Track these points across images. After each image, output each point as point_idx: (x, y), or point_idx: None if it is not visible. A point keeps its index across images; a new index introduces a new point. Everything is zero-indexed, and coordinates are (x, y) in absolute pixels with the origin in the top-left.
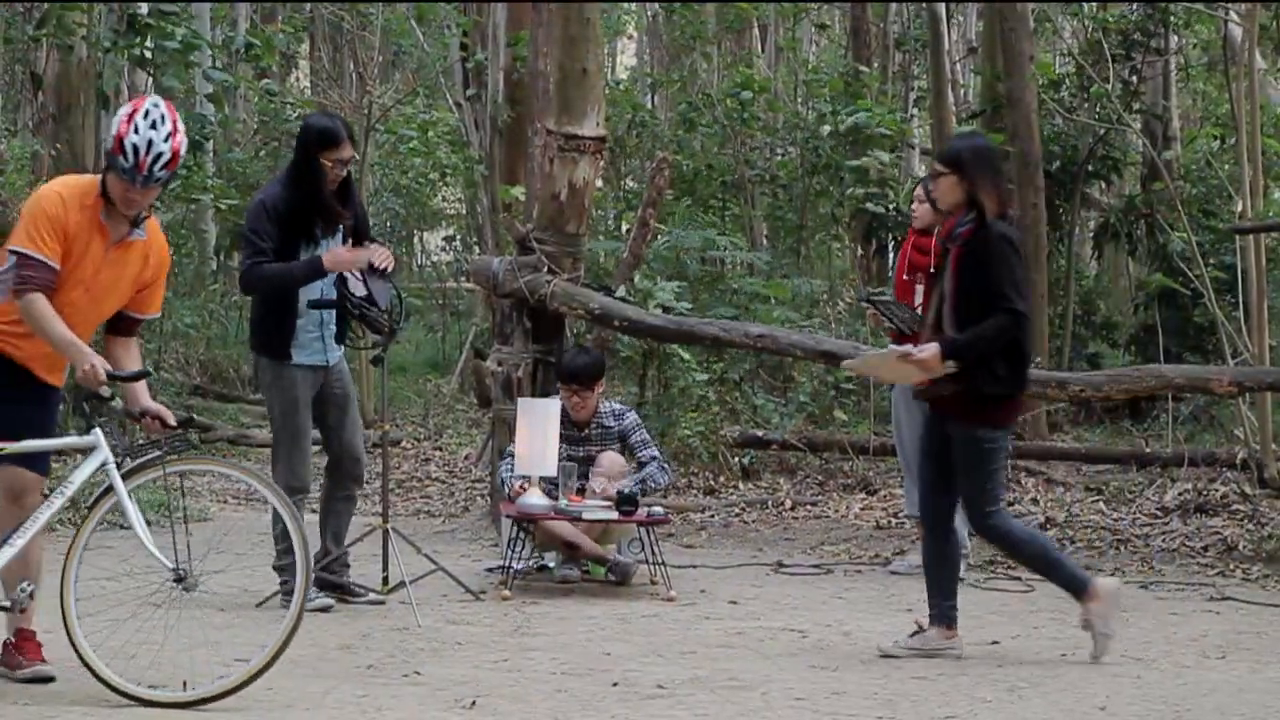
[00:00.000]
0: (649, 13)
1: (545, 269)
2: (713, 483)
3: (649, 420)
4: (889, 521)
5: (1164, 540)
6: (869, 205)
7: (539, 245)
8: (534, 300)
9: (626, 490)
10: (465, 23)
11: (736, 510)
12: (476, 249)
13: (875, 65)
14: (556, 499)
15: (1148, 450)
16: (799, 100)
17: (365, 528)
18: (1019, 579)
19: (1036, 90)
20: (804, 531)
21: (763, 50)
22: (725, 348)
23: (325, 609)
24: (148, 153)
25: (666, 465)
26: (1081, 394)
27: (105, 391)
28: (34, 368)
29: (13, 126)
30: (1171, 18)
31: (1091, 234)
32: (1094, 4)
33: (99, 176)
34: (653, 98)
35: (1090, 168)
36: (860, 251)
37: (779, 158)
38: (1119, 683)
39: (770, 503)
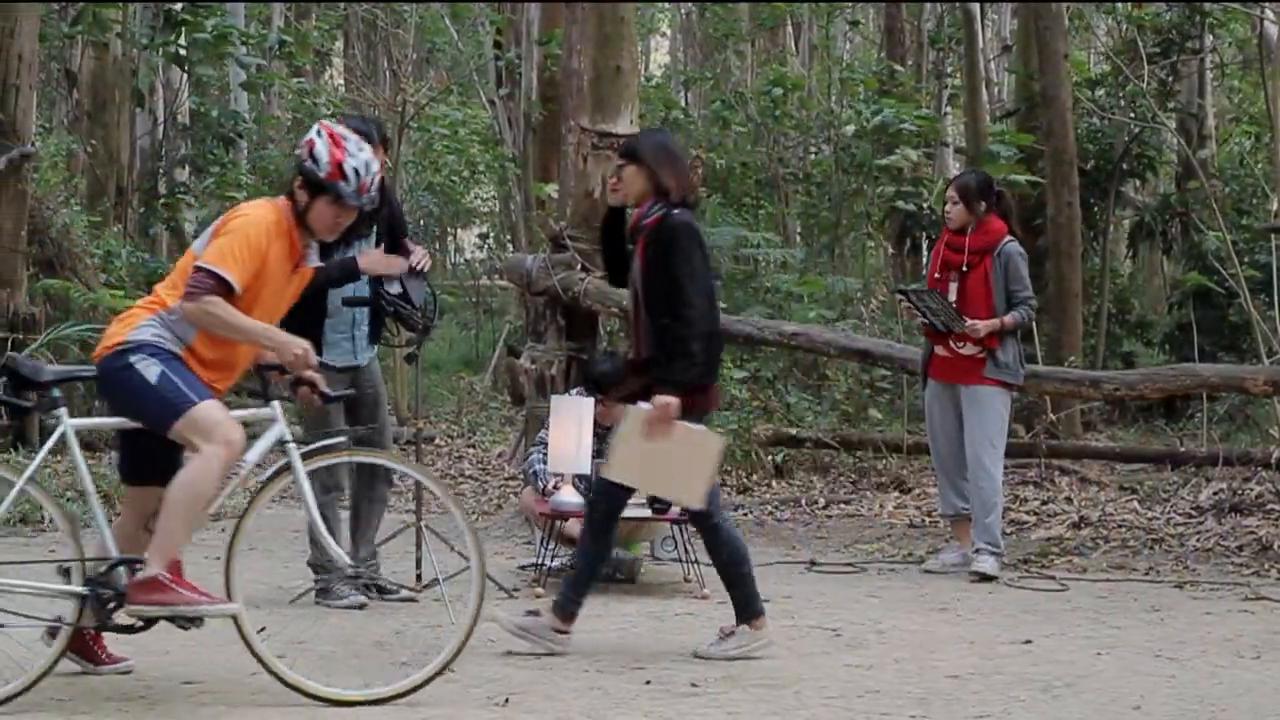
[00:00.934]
0: (683, 10)
1: (579, 266)
2: (746, 481)
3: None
4: (923, 520)
5: (1199, 540)
6: (899, 204)
7: (572, 243)
8: (567, 298)
9: None
10: (499, 20)
11: (770, 509)
12: (510, 246)
13: (909, 63)
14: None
15: (1182, 449)
16: (833, 98)
17: (399, 525)
18: (1053, 578)
19: (1071, 89)
20: (837, 530)
21: (796, 48)
22: (759, 346)
23: (359, 606)
24: (367, 174)
25: None
26: (1116, 393)
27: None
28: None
29: (48, 124)
30: (1208, 18)
31: (1126, 232)
32: (1129, 3)
33: (285, 202)
34: (686, 95)
35: (1125, 166)
36: (894, 250)
37: (813, 155)
38: (1153, 682)
39: (804, 501)
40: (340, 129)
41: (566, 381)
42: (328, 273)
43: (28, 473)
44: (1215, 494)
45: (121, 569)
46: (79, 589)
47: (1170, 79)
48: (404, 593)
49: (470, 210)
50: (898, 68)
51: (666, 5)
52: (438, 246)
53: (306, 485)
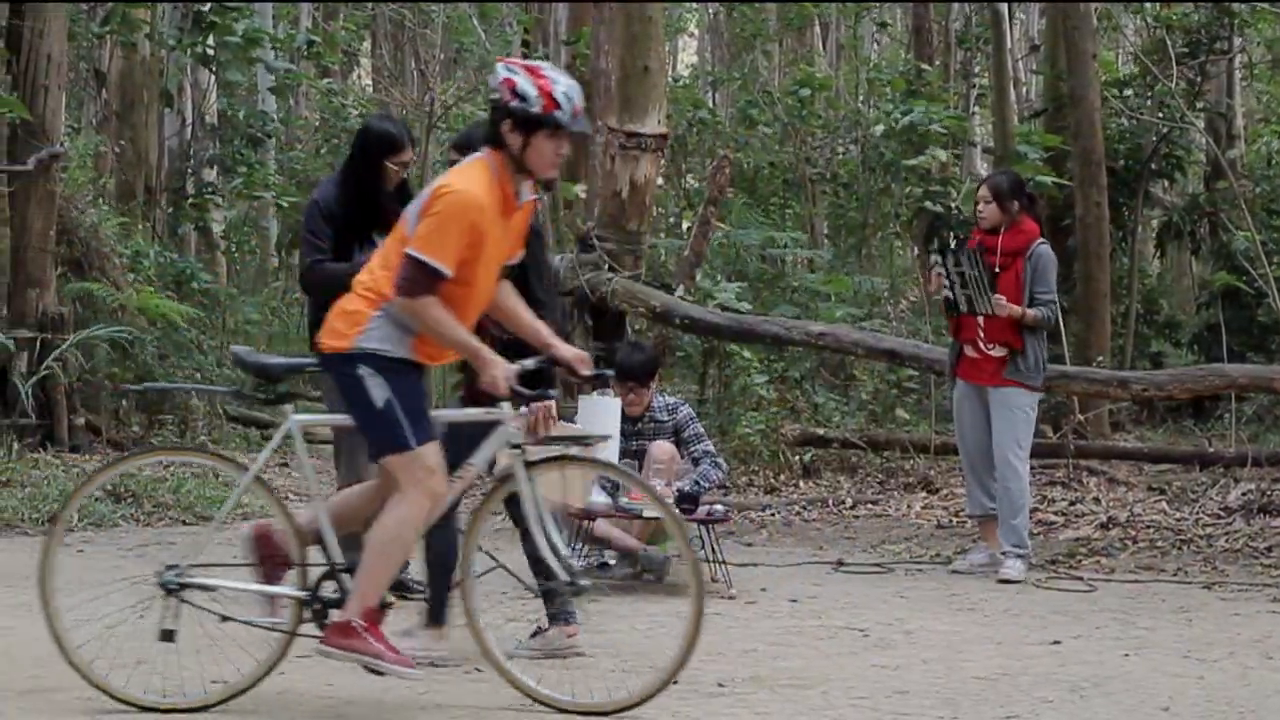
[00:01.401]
0: (710, 10)
1: (606, 267)
2: (773, 481)
3: (709, 418)
4: (950, 520)
5: (1227, 540)
6: (927, 204)
7: (600, 243)
8: (595, 298)
9: (686, 488)
10: (526, 20)
11: (797, 509)
12: None
13: (937, 63)
14: (617, 496)
15: (1211, 450)
16: (860, 98)
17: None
18: (1081, 579)
19: (1100, 88)
20: (865, 530)
21: (824, 48)
22: (786, 346)
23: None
24: (577, 96)
25: (720, 460)
26: (1144, 393)
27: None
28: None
29: (76, 124)
30: (1236, 18)
31: (1154, 233)
32: (1157, 3)
33: (493, 153)
34: (714, 95)
35: (1154, 166)
36: (921, 251)
37: (840, 156)
38: (1182, 683)
39: (831, 501)
40: (527, 61)
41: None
42: (339, 277)
43: (254, 469)
44: (1244, 495)
45: (347, 575)
46: (300, 593)
47: (1199, 79)
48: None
49: None
50: (925, 67)
51: (694, 5)
52: None
53: (530, 494)
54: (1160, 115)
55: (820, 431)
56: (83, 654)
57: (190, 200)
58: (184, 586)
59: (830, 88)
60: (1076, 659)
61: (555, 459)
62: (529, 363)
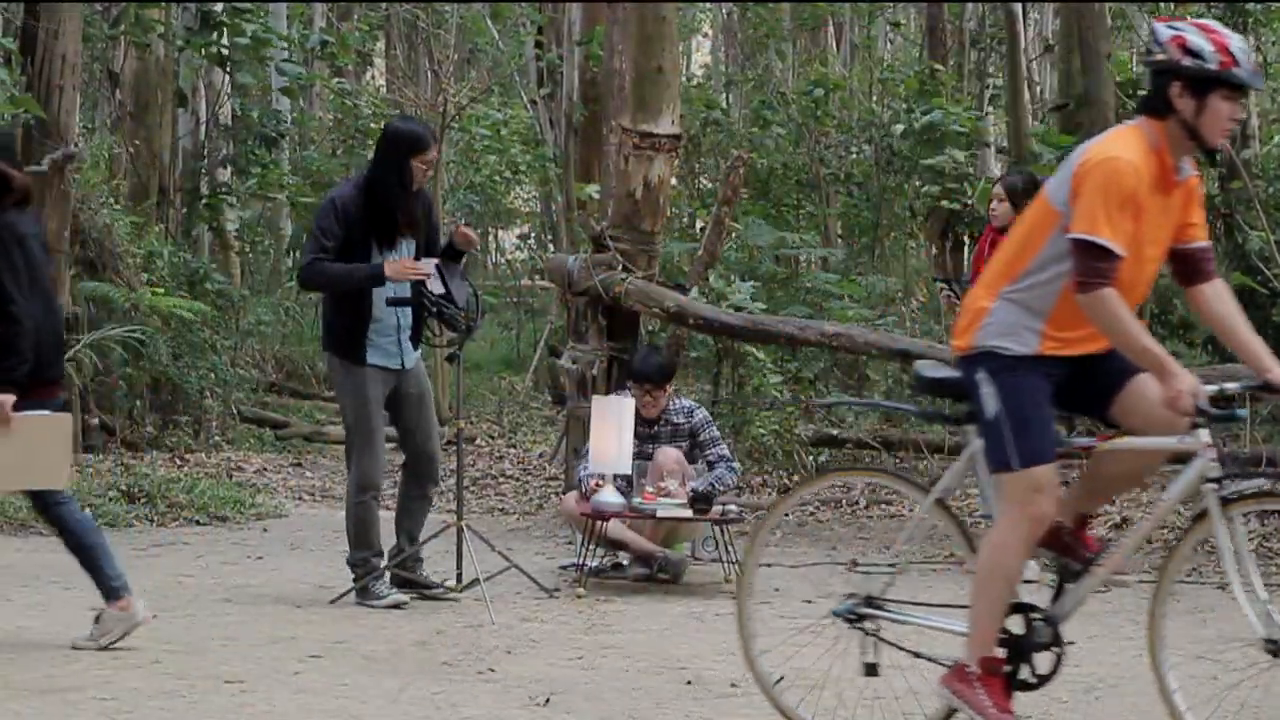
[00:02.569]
0: (724, 10)
1: (620, 267)
2: (787, 481)
3: (722, 419)
4: (964, 520)
5: None
6: (944, 203)
7: (614, 243)
8: (609, 298)
9: (701, 488)
10: (540, 20)
11: (811, 509)
12: (551, 247)
13: (951, 63)
14: (630, 497)
15: (1226, 450)
16: (874, 99)
17: (440, 525)
18: None
19: (1114, 88)
20: (878, 530)
21: (838, 49)
22: (800, 346)
23: (399, 606)
24: (1251, 50)
25: (735, 465)
26: None
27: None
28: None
29: (90, 124)
30: (1250, 18)
31: None
32: (1171, 3)
33: (1150, 121)
34: (728, 96)
35: None
36: (935, 249)
37: (854, 156)
38: (1196, 684)
39: (844, 501)
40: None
41: (608, 381)
42: (353, 274)
43: (934, 492)
44: None
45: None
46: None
47: None
48: (445, 592)
49: (511, 210)
50: (939, 67)
51: (708, 5)
52: (479, 247)
53: (1226, 539)
54: None
55: (834, 432)
56: (770, 679)
57: (204, 201)
58: (862, 618)
59: (844, 88)
60: (1091, 659)
61: (1256, 495)
62: (1232, 386)
